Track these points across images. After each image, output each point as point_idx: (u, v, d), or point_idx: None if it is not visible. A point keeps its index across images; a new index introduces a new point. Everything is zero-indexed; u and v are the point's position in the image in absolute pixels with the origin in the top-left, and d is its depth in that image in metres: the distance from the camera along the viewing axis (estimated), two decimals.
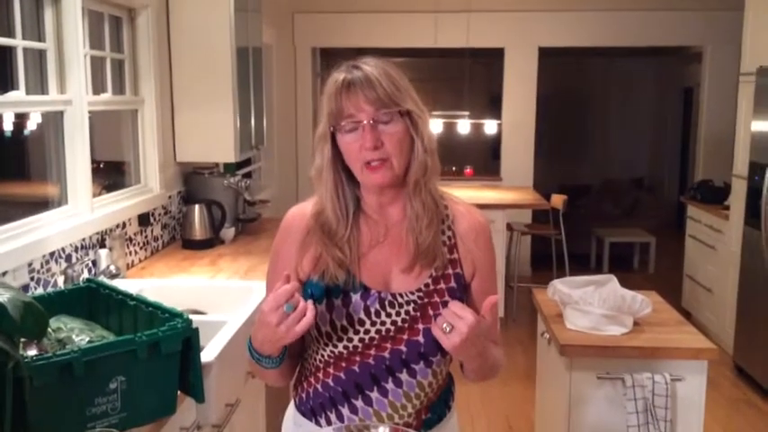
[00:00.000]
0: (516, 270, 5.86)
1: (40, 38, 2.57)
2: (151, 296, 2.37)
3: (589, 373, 2.31)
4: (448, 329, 1.25)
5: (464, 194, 5.68)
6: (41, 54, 2.59)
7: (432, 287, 1.38)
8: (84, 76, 2.74)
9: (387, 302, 1.37)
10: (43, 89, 2.61)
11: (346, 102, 1.31)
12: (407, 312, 1.36)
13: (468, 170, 6.96)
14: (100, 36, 3.07)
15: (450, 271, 1.40)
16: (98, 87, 3.06)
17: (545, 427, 2.78)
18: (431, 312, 1.36)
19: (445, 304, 1.35)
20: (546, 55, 6.72)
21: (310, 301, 1.27)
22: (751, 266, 4.31)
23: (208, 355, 2.07)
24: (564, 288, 2.44)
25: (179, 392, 1.75)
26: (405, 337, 1.35)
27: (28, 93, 2.47)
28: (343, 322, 1.36)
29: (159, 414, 1.68)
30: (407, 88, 1.37)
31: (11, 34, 2.38)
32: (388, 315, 1.36)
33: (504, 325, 5.46)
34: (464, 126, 6.51)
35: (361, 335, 1.36)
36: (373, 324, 1.36)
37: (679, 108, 9.28)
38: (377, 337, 1.36)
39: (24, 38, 2.44)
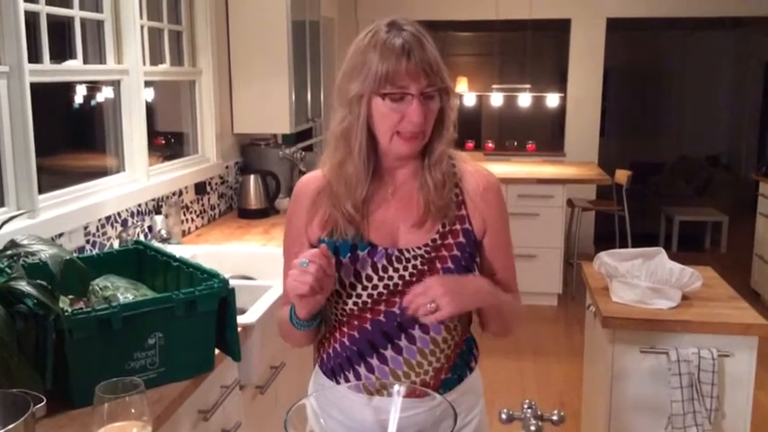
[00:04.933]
0: (576, 247, 5.76)
1: (98, 9, 2.66)
2: (204, 261, 2.45)
3: (632, 346, 2.26)
4: (433, 307, 1.25)
5: (524, 170, 5.63)
6: (99, 25, 2.67)
7: (439, 242, 1.38)
8: (141, 47, 2.82)
9: (394, 258, 1.38)
10: (101, 59, 2.70)
11: (405, 69, 1.28)
12: (414, 267, 1.37)
13: (530, 145, 6.84)
14: (158, 8, 3.15)
15: (459, 226, 1.40)
16: (156, 58, 3.14)
17: (590, 401, 2.74)
18: (438, 266, 1.36)
19: (453, 258, 1.36)
20: (617, 27, 6.51)
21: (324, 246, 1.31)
22: None
23: (250, 317, 2.12)
24: (610, 261, 2.39)
25: (217, 351, 1.80)
26: None
27: (86, 62, 2.56)
28: (351, 279, 1.38)
29: (197, 370, 1.74)
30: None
31: (69, 5, 2.46)
32: (396, 270, 1.37)
33: (562, 302, 5.38)
34: (525, 99, 6.39)
35: (370, 290, 1.37)
36: (381, 279, 1.37)
37: (759, 83, 8.86)
38: (385, 292, 1.37)
39: (82, 9, 2.53)
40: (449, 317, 1.28)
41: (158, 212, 2.91)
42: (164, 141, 3.60)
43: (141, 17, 2.85)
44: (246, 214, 3.62)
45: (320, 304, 1.35)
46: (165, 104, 3.59)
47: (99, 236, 2.50)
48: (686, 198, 7.89)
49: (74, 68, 2.51)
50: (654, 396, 2.27)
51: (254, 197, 3.64)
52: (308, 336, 1.46)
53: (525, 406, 1.00)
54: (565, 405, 3.78)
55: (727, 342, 2.23)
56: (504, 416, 1.01)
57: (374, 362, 1.39)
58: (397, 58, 1.28)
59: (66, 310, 1.52)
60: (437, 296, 1.25)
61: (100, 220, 2.50)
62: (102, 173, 2.76)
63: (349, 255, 1.39)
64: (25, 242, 1.57)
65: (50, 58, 2.31)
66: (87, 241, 2.42)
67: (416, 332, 1.38)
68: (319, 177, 1.44)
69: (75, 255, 1.92)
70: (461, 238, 1.39)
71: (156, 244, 2.45)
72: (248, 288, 2.40)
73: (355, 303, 1.38)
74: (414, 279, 1.37)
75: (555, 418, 1.00)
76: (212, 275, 1.77)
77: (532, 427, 0.98)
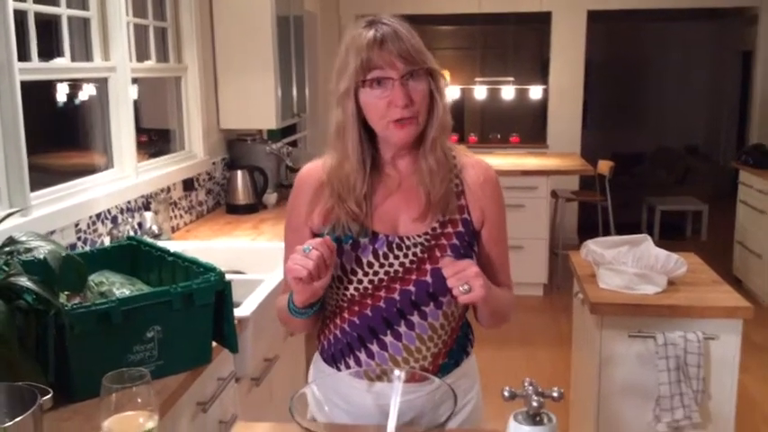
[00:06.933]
0: (561, 237, 5.82)
1: (84, 6, 2.66)
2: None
3: (620, 331, 2.31)
4: (466, 288, 1.27)
5: (508, 161, 5.66)
6: (86, 23, 2.67)
7: (439, 231, 1.41)
8: (128, 44, 2.83)
9: (394, 245, 1.40)
10: (88, 57, 2.70)
11: (378, 57, 1.32)
12: (415, 254, 1.40)
13: (513, 137, 6.89)
14: (143, 4, 3.15)
15: (458, 216, 1.42)
16: (142, 55, 3.14)
17: (579, 387, 2.79)
18: (438, 254, 1.39)
19: (452, 247, 1.39)
20: (597, 20, 6.58)
21: (327, 237, 1.35)
22: None
23: (245, 310, 2.14)
24: (597, 248, 2.43)
25: (214, 344, 1.82)
26: (413, 277, 1.39)
27: (73, 60, 2.56)
28: (353, 265, 1.40)
29: (195, 363, 1.76)
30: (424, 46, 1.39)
31: (56, 3, 2.46)
32: (396, 257, 1.40)
33: (548, 292, 5.45)
34: (508, 92, 6.44)
35: (371, 276, 1.40)
36: (381, 266, 1.40)
37: (737, 73, 8.97)
38: (385, 278, 1.40)
39: (69, 7, 2.53)
40: (476, 301, 1.30)
41: (147, 209, 2.92)
42: (149, 138, 3.60)
43: (127, 14, 2.85)
44: (235, 210, 3.63)
45: (317, 295, 1.37)
46: (149, 101, 3.59)
47: (90, 233, 2.50)
48: (667, 188, 7.99)
49: (62, 66, 2.51)
50: (642, 379, 2.32)
51: (241, 193, 3.65)
52: (306, 324, 1.48)
53: (526, 383, 1.03)
54: None
55: (713, 325, 2.28)
56: (506, 393, 1.05)
57: (374, 348, 1.42)
58: (370, 48, 1.32)
59: (66, 305, 1.53)
60: (470, 278, 1.27)
61: (90, 217, 2.51)
62: (91, 170, 2.76)
63: (351, 241, 1.41)
64: (23, 239, 1.59)
65: (38, 57, 2.32)
66: (78, 238, 2.43)
67: (415, 318, 1.40)
68: (320, 168, 1.46)
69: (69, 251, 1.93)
70: (460, 228, 1.42)
71: (146, 238, 2.46)
72: (240, 282, 2.41)
73: (356, 289, 1.41)
74: (413, 266, 1.40)
75: (555, 394, 1.04)
76: (208, 269, 1.79)
77: (534, 403, 1.02)
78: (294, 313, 1.41)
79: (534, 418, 1.03)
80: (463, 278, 1.26)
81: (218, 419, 1.96)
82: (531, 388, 1.02)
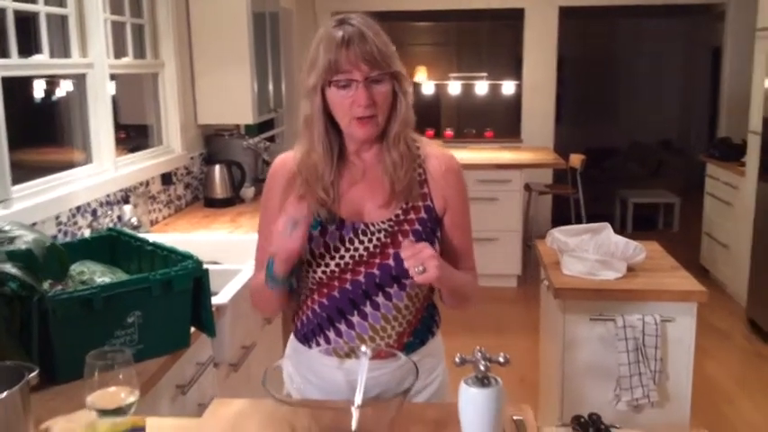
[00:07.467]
0: (534, 229, 5.94)
1: (62, 3, 2.71)
2: None
3: (582, 315, 2.42)
4: (421, 269, 1.35)
5: (483, 156, 5.75)
6: (63, 19, 2.73)
7: (402, 217, 1.50)
8: (105, 41, 2.89)
9: (360, 231, 1.50)
10: (66, 54, 2.76)
11: (345, 58, 1.40)
12: (379, 239, 1.49)
13: (488, 132, 7.01)
14: (120, 1, 3.20)
15: (421, 203, 1.52)
16: (120, 52, 3.20)
17: (546, 369, 2.90)
18: (401, 239, 1.48)
19: (414, 232, 1.48)
20: (569, 16, 6.70)
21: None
22: (765, 221, 4.34)
23: (222, 298, 2.22)
24: (561, 236, 2.54)
25: (193, 329, 1.90)
26: (377, 261, 1.48)
27: (52, 57, 2.62)
28: (321, 250, 1.49)
29: (174, 347, 1.84)
30: (392, 46, 1.46)
31: (33, 0, 2.52)
32: (361, 242, 1.49)
33: (522, 283, 5.56)
34: (482, 87, 6.54)
35: (337, 260, 1.49)
36: (347, 250, 1.49)
37: (708, 68, 9.14)
38: (351, 262, 1.49)
39: (47, 4, 2.58)
40: (432, 281, 1.38)
41: (127, 202, 2.98)
42: (127, 135, 3.65)
43: (104, 11, 2.91)
44: (213, 203, 3.70)
45: (294, 264, 1.44)
46: (126, 97, 3.64)
47: (70, 225, 2.56)
48: (640, 181, 8.14)
49: (41, 63, 2.57)
50: (603, 360, 2.43)
51: (219, 187, 3.72)
52: (280, 299, 1.53)
53: (476, 350, 1.14)
54: (525, 378, 3.94)
55: (669, 308, 2.40)
56: (457, 360, 1.15)
57: (342, 327, 1.51)
58: (337, 49, 1.40)
59: (49, 292, 1.60)
60: (425, 259, 1.35)
61: (71, 210, 2.57)
62: (69, 166, 2.81)
63: (319, 228, 1.50)
64: (7, 228, 1.65)
65: (17, 53, 2.37)
66: (59, 231, 2.49)
67: (380, 299, 1.49)
68: (292, 159, 1.54)
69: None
70: (423, 214, 1.51)
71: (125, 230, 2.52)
72: (218, 272, 2.48)
73: (324, 273, 1.50)
74: (377, 251, 1.49)
75: (501, 360, 1.14)
76: (186, 257, 1.87)
77: (482, 367, 1.12)
78: (275, 283, 1.46)
79: (482, 381, 1.14)
80: (419, 259, 1.35)
81: (196, 402, 2.04)
82: (479, 354, 1.11)
